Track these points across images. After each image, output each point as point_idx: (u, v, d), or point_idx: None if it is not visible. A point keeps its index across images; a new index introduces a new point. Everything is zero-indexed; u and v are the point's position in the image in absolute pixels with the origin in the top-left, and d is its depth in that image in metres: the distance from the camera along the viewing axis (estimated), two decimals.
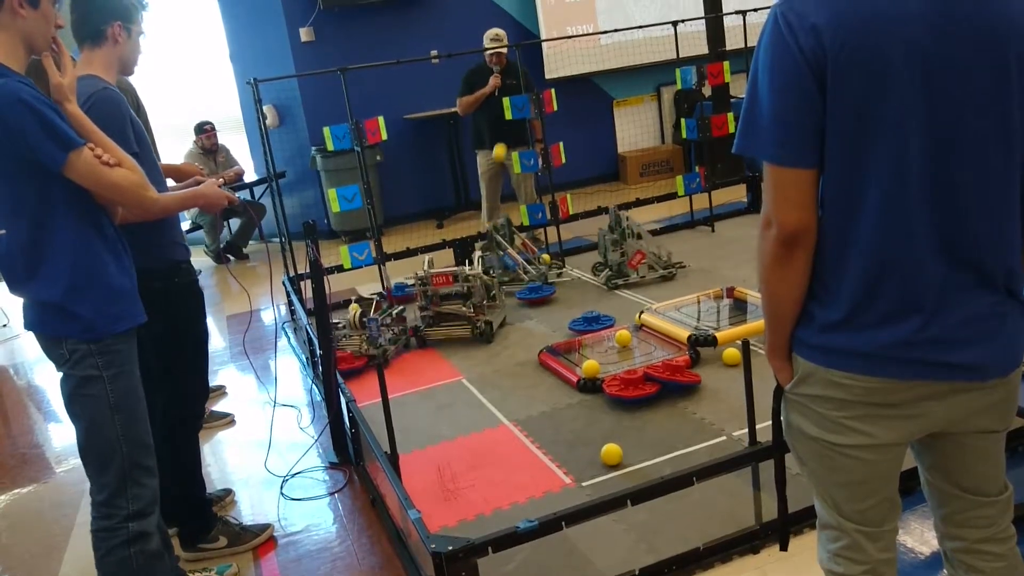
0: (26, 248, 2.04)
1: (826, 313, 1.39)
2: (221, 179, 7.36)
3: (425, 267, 4.81)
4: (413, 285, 4.91)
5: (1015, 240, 1.36)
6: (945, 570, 1.63)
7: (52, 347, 2.14)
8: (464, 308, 4.63)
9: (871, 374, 1.36)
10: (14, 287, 2.14)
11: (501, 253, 5.68)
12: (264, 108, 5.78)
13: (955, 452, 1.50)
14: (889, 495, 1.51)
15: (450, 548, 2.13)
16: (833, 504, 1.52)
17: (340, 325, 4.67)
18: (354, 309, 4.71)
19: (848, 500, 1.49)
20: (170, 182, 2.99)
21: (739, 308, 4.44)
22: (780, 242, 1.35)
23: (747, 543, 2.53)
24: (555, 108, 5.83)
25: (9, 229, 2.03)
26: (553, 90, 5.83)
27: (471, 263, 5.00)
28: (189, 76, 8.73)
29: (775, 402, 1.57)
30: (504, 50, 6.10)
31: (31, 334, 2.18)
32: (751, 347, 2.65)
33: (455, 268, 4.77)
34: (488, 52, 6.11)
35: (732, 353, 3.82)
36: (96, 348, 2.10)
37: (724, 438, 3.20)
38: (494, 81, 6.09)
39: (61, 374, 2.15)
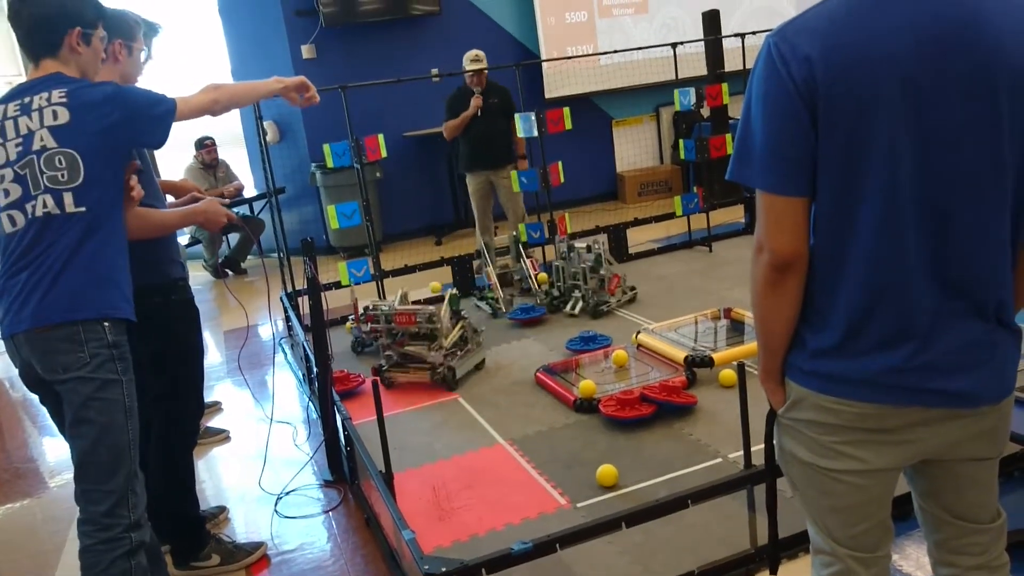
0: (92, 217, 2.17)
1: (818, 339, 1.40)
2: (223, 194, 7.42)
3: (396, 300, 4.51)
4: (373, 314, 4.48)
5: (1006, 270, 1.37)
6: None
7: (72, 347, 2.12)
8: (427, 351, 4.25)
9: (863, 400, 1.37)
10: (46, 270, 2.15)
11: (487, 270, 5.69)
12: (265, 124, 5.81)
13: (947, 479, 1.50)
14: (881, 520, 1.50)
15: (444, 570, 2.13)
16: (826, 529, 1.52)
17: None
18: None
19: (840, 525, 1.49)
20: (169, 199, 3.01)
21: (736, 329, 4.44)
22: (772, 267, 1.37)
23: (742, 567, 2.53)
24: (568, 127, 5.85)
25: (94, 200, 2.19)
26: (567, 109, 5.85)
27: (451, 303, 4.46)
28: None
29: (768, 426, 1.57)
30: (484, 70, 6.19)
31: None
32: (747, 369, 2.65)
33: (421, 307, 4.35)
34: (468, 73, 6.20)
35: (728, 374, 3.82)
36: (117, 353, 2.17)
37: (720, 460, 3.20)
38: (476, 102, 6.16)
39: (71, 378, 2.13)
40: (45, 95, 2.18)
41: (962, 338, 1.34)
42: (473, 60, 6.24)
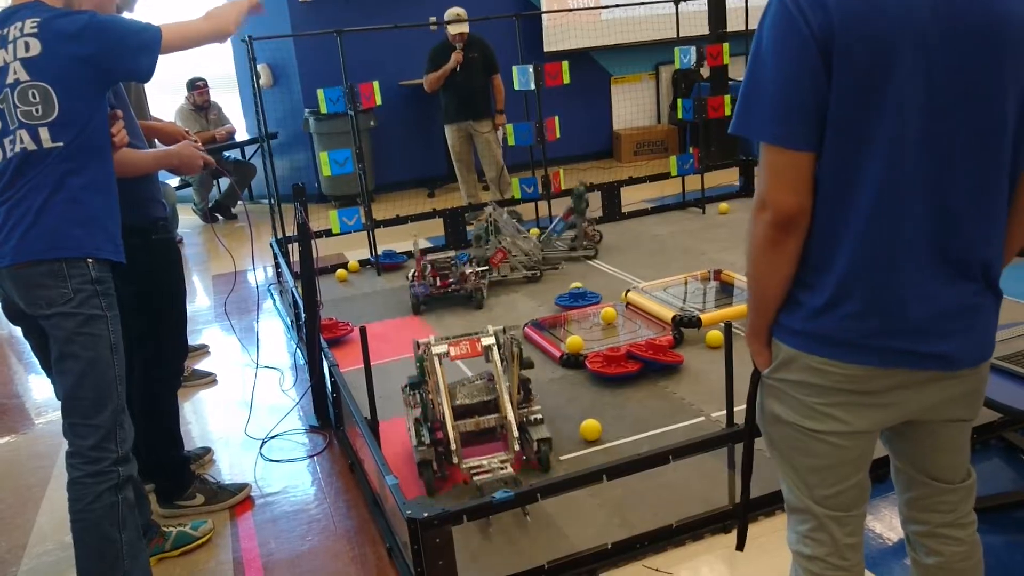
0: (73, 148, 2.12)
1: (810, 299, 1.40)
2: (214, 137, 7.32)
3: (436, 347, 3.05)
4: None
5: (998, 232, 1.38)
6: (907, 552, 1.66)
7: (55, 282, 2.10)
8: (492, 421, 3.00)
9: (851, 361, 1.38)
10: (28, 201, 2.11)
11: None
12: (258, 67, 5.72)
13: (924, 439, 1.52)
14: (859, 481, 1.52)
15: (425, 515, 2.15)
16: (804, 488, 1.54)
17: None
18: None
19: (819, 485, 1.51)
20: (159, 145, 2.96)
21: (725, 291, 4.46)
22: (774, 225, 1.34)
23: (719, 522, 2.56)
24: (567, 81, 5.81)
25: (71, 134, 2.12)
26: (566, 63, 5.80)
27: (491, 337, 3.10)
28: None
29: (752, 387, 1.58)
30: (465, 28, 6.28)
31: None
32: (734, 330, 2.66)
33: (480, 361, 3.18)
34: (449, 28, 6.28)
35: (715, 335, 3.84)
36: (101, 289, 2.15)
37: (702, 419, 3.23)
38: (456, 56, 6.31)
39: (55, 313, 2.11)
40: (19, 25, 2.10)
41: (951, 301, 1.35)
42: (455, 18, 6.32)
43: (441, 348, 2.96)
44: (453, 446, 2.76)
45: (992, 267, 1.38)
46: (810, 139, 1.30)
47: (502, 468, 2.79)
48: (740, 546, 1.77)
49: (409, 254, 5.74)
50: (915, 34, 1.25)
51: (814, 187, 1.34)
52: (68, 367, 2.15)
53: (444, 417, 2.83)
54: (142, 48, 2.19)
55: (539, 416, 3.00)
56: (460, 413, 2.94)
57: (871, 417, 1.43)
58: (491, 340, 3.02)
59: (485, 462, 2.82)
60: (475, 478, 2.75)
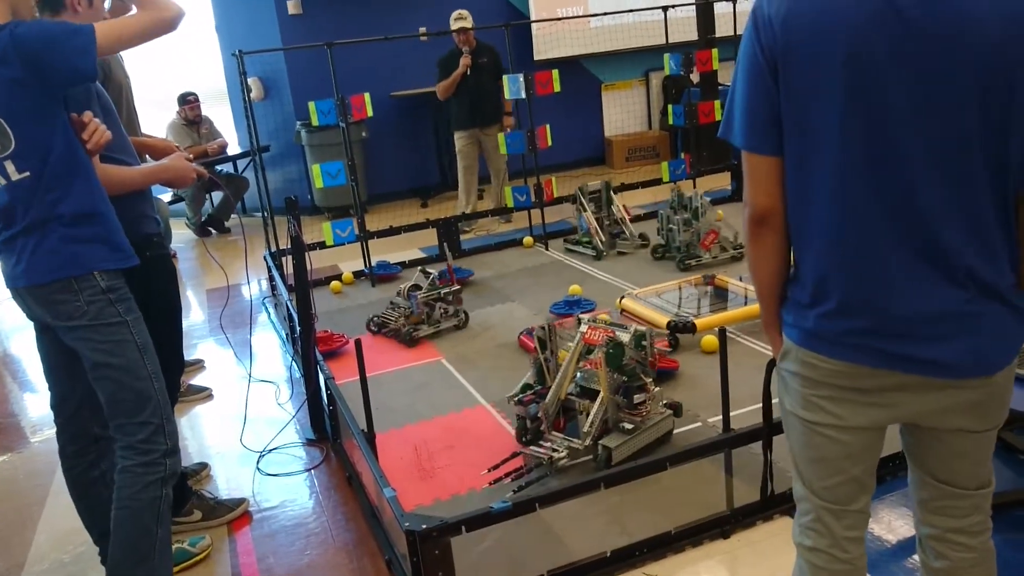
0: (49, 175, 2.07)
1: (796, 294, 1.47)
2: (206, 151, 7.32)
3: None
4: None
5: (988, 241, 1.34)
6: (917, 553, 1.65)
7: (68, 298, 2.12)
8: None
9: (835, 357, 1.41)
10: (30, 228, 2.09)
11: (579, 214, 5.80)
12: (249, 81, 5.72)
13: (932, 444, 1.51)
14: (857, 476, 1.53)
15: (424, 527, 2.15)
16: (803, 478, 1.57)
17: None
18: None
19: (816, 476, 1.54)
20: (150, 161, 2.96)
21: (719, 296, 4.47)
22: (751, 221, 1.46)
23: (718, 528, 2.57)
24: (557, 89, 5.84)
25: (37, 161, 2.06)
26: (556, 71, 5.83)
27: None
28: (173, 46, 8.60)
29: (767, 375, 1.66)
30: (470, 28, 6.31)
31: (9, 304, 2.17)
32: (728, 335, 2.67)
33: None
34: (455, 32, 6.33)
35: (710, 340, 3.84)
36: (115, 297, 2.17)
37: (699, 424, 3.23)
38: (464, 61, 6.36)
39: (76, 327, 2.14)
40: None
41: (935, 307, 1.34)
42: (457, 19, 6.35)
43: (583, 328, 3.12)
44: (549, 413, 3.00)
45: (983, 276, 1.33)
46: (774, 145, 1.39)
47: (561, 456, 2.91)
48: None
49: (403, 264, 5.75)
50: (852, 54, 1.26)
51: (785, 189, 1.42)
52: (103, 375, 2.19)
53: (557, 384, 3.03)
54: (76, 52, 2.02)
55: (628, 426, 2.96)
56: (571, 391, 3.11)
57: (865, 414, 1.44)
58: (626, 337, 3.10)
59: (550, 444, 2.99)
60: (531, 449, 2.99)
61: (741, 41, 1.41)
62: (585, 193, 5.76)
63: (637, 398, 2.98)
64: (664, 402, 3.13)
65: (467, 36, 6.36)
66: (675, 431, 3.18)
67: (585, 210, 5.78)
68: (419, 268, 4.84)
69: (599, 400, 2.97)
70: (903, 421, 1.47)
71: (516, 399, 3.17)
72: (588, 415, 2.98)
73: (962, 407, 1.41)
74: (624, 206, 5.96)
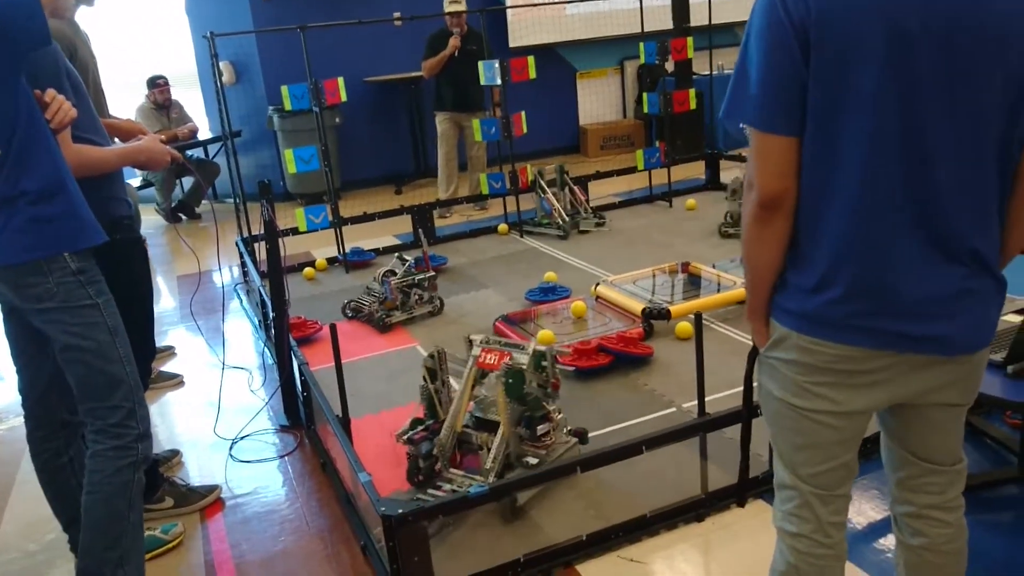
0: (15, 151, 2.01)
1: (800, 280, 1.43)
2: (176, 135, 7.20)
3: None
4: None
5: (990, 222, 1.38)
6: (893, 533, 1.68)
7: (37, 280, 2.07)
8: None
9: (841, 342, 1.40)
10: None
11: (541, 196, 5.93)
12: (220, 64, 5.63)
13: (915, 422, 1.54)
14: (846, 461, 1.55)
15: (400, 511, 2.14)
16: (791, 465, 1.57)
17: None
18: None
19: (805, 463, 1.54)
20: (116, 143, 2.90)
21: (693, 283, 4.49)
22: (759, 206, 1.39)
23: (693, 511, 2.59)
24: (533, 76, 5.82)
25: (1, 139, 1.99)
26: (531, 58, 5.81)
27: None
28: (142, 28, 8.46)
29: (749, 365, 1.62)
30: (463, 11, 6.27)
31: None
32: (703, 321, 2.69)
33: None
34: (447, 14, 6.30)
35: (685, 327, 3.87)
36: (85, 279, 2.13)
37: (674, 409, 3.25)
38: (453, 42, 6.33)
39: (45, 308, 2.09)
40: None
41: (939, 286, 1.36)
42: (451, 2, 6.34)
43: (476, 351, 2.85)
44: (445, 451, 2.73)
45: (983, 253, 1.37)
46: (792, 125, 1.34)
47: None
48: (741, 503, 1.93)
49: (378, 251, 5.72)
50: (890, 29, 1.26)
51: (800, 171, 1.37)
52: (72, 357, 2.14)
53: (452, 417, 2.76)
54: (24, 16, 1.94)
55: (533, 461, 2.68)
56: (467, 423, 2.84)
57: (862, 397, 1.45)
58: (524, 359, 2.76)
59: (450, 485, 2.70)
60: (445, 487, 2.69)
61: (756, 17, 1.35)
62: (544, 177, 5.90)
63: (540, 429, 2.71)
64: (567, 428, 2.89)
65: (459, 19, 6.35)
66: (650, 416, 3.20)
67: (546, 192, 5.88)
68: (396, 254, 4.81)
69: (499, 435, 2.69)
70: (896, 401, 1.49)
71: (405, 437, 2.84)
72: (489, 450, 2.68)
73: (951, 382, 1.46)
74: (577, 188, 6.08)
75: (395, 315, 4.45)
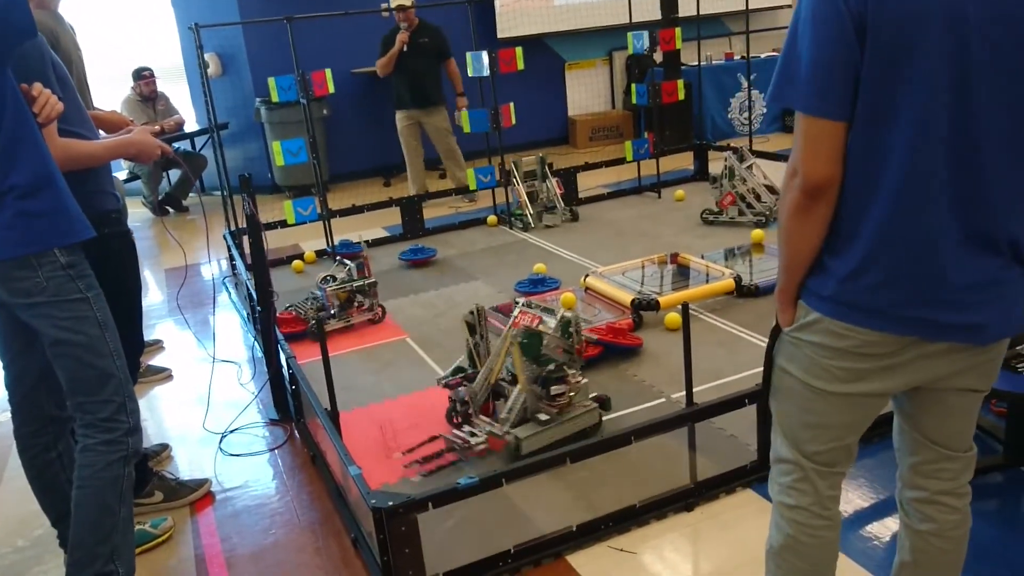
0: (2, 146, 1.99)
1: (837, 265, 1.43)
2: (162, 128, 7.16)
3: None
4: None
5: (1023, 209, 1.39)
6: (900, 518, 1.70)
7: (27, 274, 2.06)
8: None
9: (873, 328, 1.41)
10: None
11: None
12: (206, 56, 5.60)
13: (934, 406, 1.56)
14: (851, 443, 1.58)
15: (390, 504, 2.14)
16: (795, 442, 1.59)
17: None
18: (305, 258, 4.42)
19: (811, 440, 1.56)
20: (102, 135, 2.87)
21: (682, 274, 4.51)
22: (804, 192, 1.38)
23: (682, 501, 2.60)
24: (521, 67, 5.81)
25: None
26: (520, 49, 5.79)
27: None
28: (128, 20, 8.38)
29: (770, 340, 1.61)
30: (409, 6, 6.30)
31: None
32: (691, 311, 2.70)
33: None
34: (394, 9, 6.32)
35: (674, 317, 3.88)
36: (75, 272, 2.12)
37: (663, 400, 3.26)
38: (401, 37, 6.34)
39: (34, 303, 2.08)
40: None
41: (977, 274, 1.38)
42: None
43: (515, 312, 3.04)
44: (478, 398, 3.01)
45: (1021, 244, 1.39)
46: (844, 110, 1.33)
47: (479, 442, 2.87)
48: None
49: (367, 243, 5.71)
50: (949, 14, 1.26)
51: (846, 157, 1.37)
52: (62, 352, 2.14)
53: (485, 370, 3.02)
54: (6, 8, 1.92)
55: (543, 417, 2.88)
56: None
57: (883, 381, 1.47)
58: (552, 323, 3.02)
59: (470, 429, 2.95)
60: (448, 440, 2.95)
61: (809, 4, 1.33)
62: (520, 168, 5.91)
63: (555, 389, 2.88)
64: (592, 394, 3.04)
65: (407, 14, 6.34)
66: (640, 407, 3.21)
67: (518, 184, 5.89)
68: (337, 258, 4.66)
69: (516, 390, 2.93)
70: (915, 385, 1.50)
71: (444, 382, 3.14)
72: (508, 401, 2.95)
73: (973, 368, 1.47)
74: (557, 181, 6.06)
75: (331, 323, 4.27)
